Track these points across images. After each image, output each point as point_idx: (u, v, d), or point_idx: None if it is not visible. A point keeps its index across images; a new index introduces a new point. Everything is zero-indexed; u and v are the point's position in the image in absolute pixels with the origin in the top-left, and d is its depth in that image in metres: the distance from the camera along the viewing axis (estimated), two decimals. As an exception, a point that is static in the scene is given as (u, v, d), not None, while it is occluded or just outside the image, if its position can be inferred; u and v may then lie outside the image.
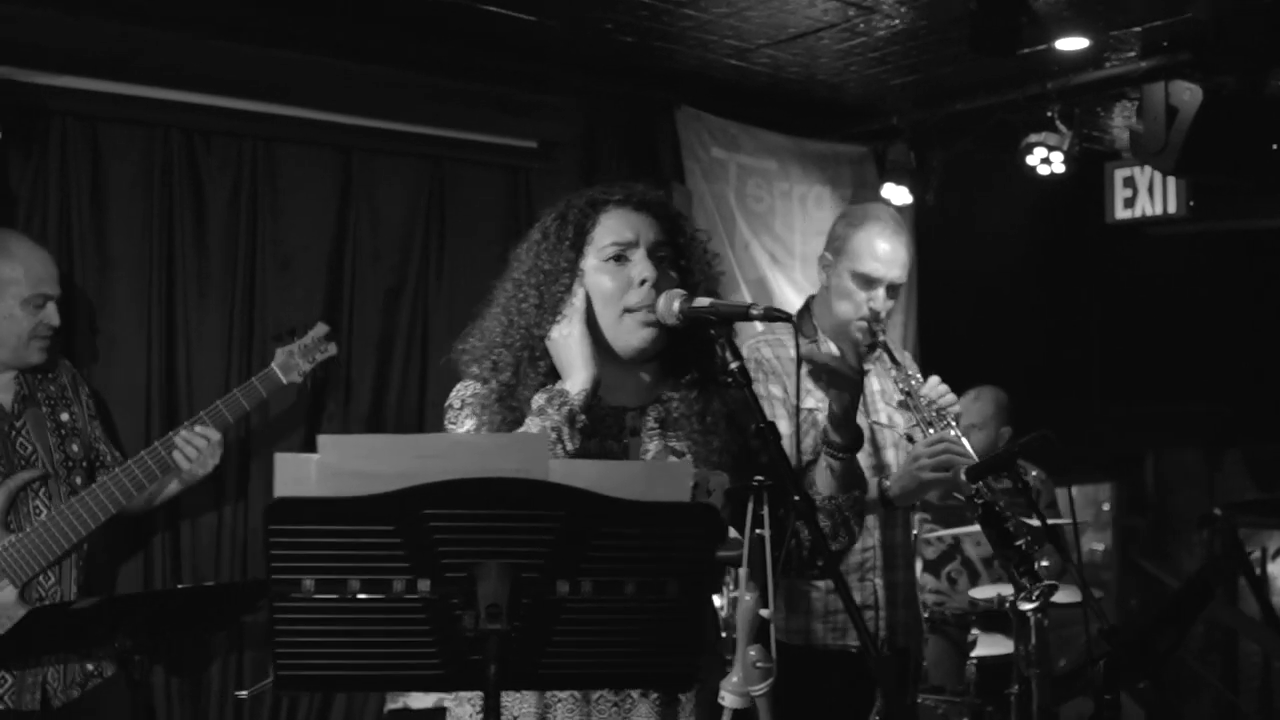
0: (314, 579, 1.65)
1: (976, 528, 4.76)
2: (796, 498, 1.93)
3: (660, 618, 1.76)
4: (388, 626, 1.69)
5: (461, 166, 4.65)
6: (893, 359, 3.04)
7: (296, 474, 1.60)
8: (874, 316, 3.09)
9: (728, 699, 1.99)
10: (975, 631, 4.44)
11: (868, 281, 3.11)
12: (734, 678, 1.99)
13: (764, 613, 2.00)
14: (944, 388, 3.01)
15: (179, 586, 3.63)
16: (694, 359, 2.19)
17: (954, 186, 5.83)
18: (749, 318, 2.03)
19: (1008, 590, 4.41)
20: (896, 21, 4.57)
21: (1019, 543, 3.16)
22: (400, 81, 4.42)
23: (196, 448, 3.29)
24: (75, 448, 3.27)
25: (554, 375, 2.10)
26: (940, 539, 4.97)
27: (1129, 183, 6.40)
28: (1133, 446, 7.86)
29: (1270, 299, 7.53)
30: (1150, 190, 6.36)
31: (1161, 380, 7.37)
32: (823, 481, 2.24)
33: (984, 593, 4.50)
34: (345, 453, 1.60)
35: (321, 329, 3.70)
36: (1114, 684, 2.52)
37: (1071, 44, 4.81)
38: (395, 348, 4.46)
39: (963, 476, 2.83)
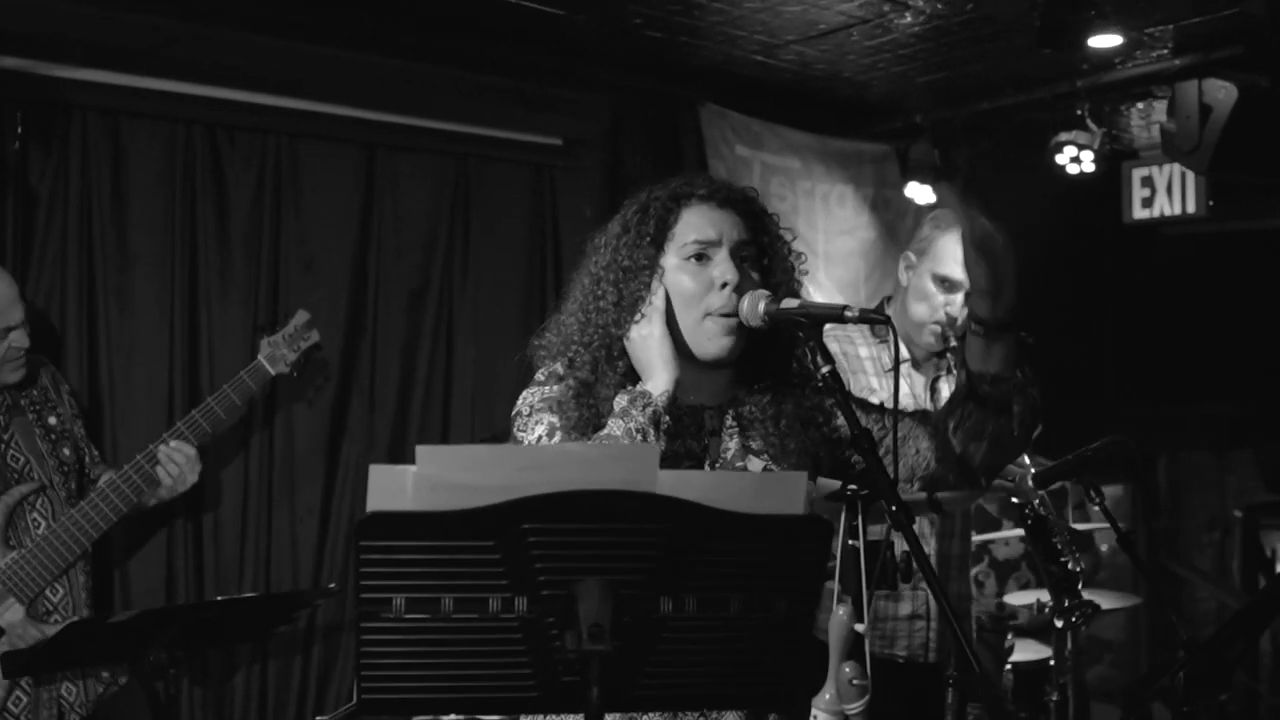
0: (405, 598, 1.56)
1: (1006, 532, 4.69)
2: (893, 508, 1.84)
3: (767, 636, 1.67)
4: (481, 647, 1.60)
5: (486, 164, 4.55)
6: (958, 364, 2.95)
7: (390, 486, 1.50)
8: (949, 322, 3.02)
9: (820, 717, 1.91)
10: (1011, 637, 4.36)
11: (949, 285, 3.05)
12: (826, 695, 1.91)
13: (859, 628, 1.92)
14: None
15: (217, 599, 3.52)
16: (769, 360, 2.11)
17: (976, 186, 5.76)
18: (843, 320, 1.93)
19: (1045, 595, 4.35)
20: (929, 17, 4.49)
21: (1064, 559, 3.09)
22: (424, 76, 4.31)
23: (177, 464, 3.19)
24: (66, 451, 3.19)
25: (631, 374, 2.01)
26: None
27: (1147, 182, 6.35)
28: (1146, 448, 7.80)
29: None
30: (1169, 190, 6.32)
31: (1175, 381, 7.32)
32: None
33: (1022, 599, 4.42)
34: (444, 464, 1.51)
35: (303, 316, 3.63)
36: (1193, 697, 2.44)
37: (1104, 41, 4.73)
38: (420, 349, 4.36)
39: (1030, 483, 2.75)
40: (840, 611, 1.88)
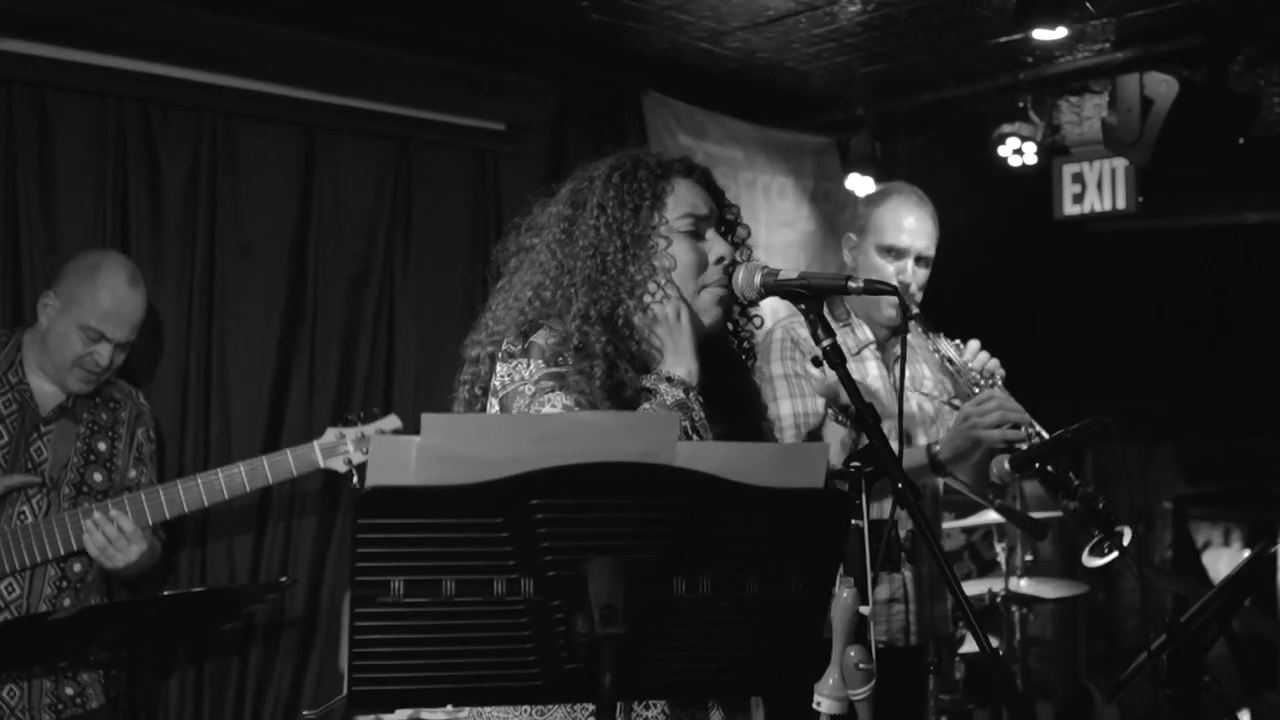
0: (404, 580, 1.45)
1: (994, 518, 4.65)
2: (899, 485, 1.77)
3: (780, 617, 1.59)
4: (483, 634, 1.51)
5: (428, 148, 4.42)
6: (927, 330, 2.90)
7: (392, 459, 1.40)
8: (904, 288, 2.96)
9: (824, 704, 1.83)
10: (961, 628, 4.35)
11: (896, 253, 3.01)
12: (830, 680, 1.83)
13: (863, 610, 1.85)
14: (985, 353, 2.89)
15: (163, 594, 3.34)
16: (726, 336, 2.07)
17: (915, 179, 5.75)
18: (847, 290, 1.88)
19: (997, 585, 4.35)
20: (878, 4, 4.46)
21: (1080, 489, 2.92)
22: (366, 55, 4.17)
23: (107, 536, 2.83)
24: (98, 477, 2.99)
25: (640, 351, 1.91)
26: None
27: (1077, 178, 6.41)
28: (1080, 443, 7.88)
29: (1209, 296, 7.62)
30: (1099, 186, 6.38)
31: (1102, 377, 7.43)
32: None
33: (971, 589, 4.41)
34: (451, 434, 1.40)
35: (393, 422, 3.27)
36: (1177, 678, 2.41)
37: (1047, 33, 4.74)
38: (361, 337, 4.22)
39: (1007, 466, 2.71)
40: (844, 594, 1.81)
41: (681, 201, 1.99)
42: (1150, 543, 7.71)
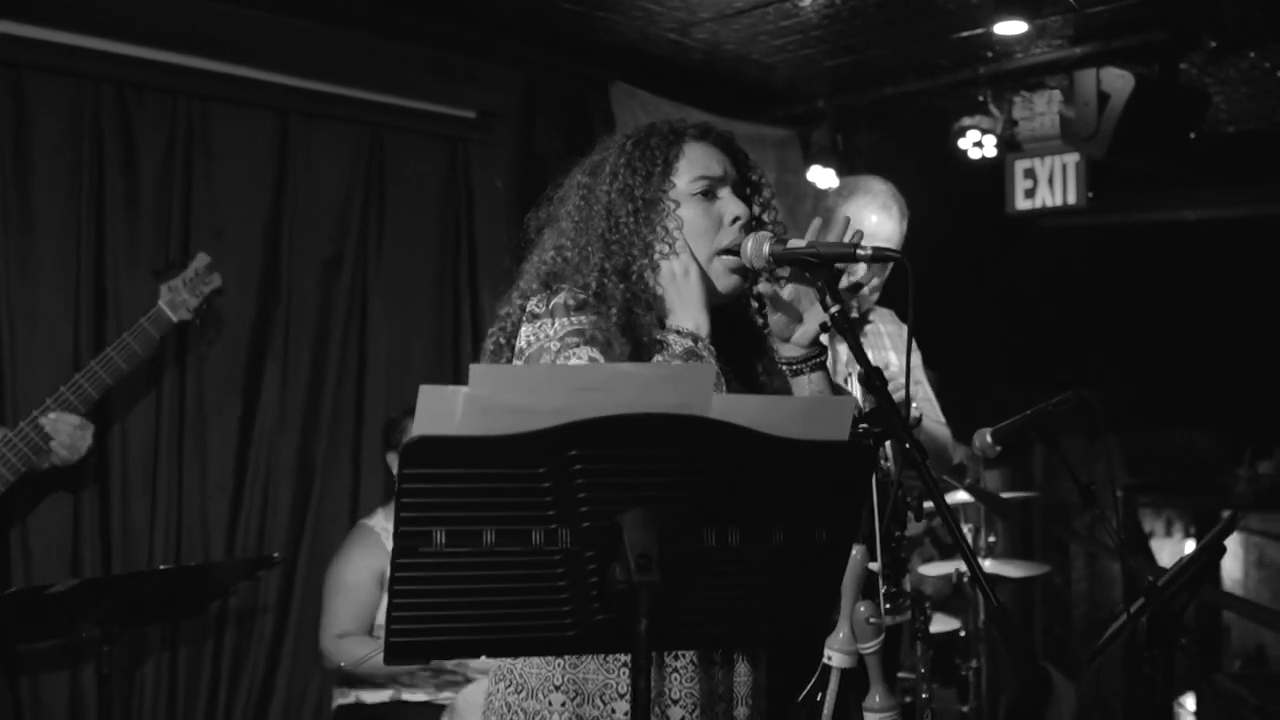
0: (446, 530, 1.48)
1: (961, 498, 4.72)
2: (907, 445, 1.82)
3: (805, 568, 1.64)
4: (520, 584, 1.53)
5: (400, 134, 4.44)
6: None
7: (439, 408, 1.42)
8: (853, 287, 3.02)
9: (835, 658, 1.88)
10: (929, 609, 4.44)
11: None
12: (840, 634, 1.88)
13: (873, 566, 1.91)
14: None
15: (160, 568, 3.33)
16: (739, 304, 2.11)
17: (874, 171, 5.84)
18: (855, 258, 1.91)
19: (963, 565, 4.44)
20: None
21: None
22: (340, 41, 4.19)
23: (65, 433, 3.06)
24: None
25: (653, 309, 1.95)
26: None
27: (1029, 174, 6.54)
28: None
29: (1153, 292, 7.82)
30: (1050, 182, 6.52)
31: (1051, 368, 7.58)
32: None
33: (937, 570, 4.49)
34: (499, 384, 1.43)
35: (203, 259, 3.52)
36: (1155, 641, 2.50)
37: (1010, 27, 4.85)
38: (334, 319, 4.23)
39: (989, 439, 2.79)
40: (854, 551, 1.85)
41: (694, 164, 2.02)
42: (1099, 532, 7.88)
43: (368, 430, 4.25)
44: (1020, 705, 5.29)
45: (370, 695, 3.76)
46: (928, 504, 5.00)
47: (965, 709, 4.36)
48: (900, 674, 4.06)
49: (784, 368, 2.07)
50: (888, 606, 2.90)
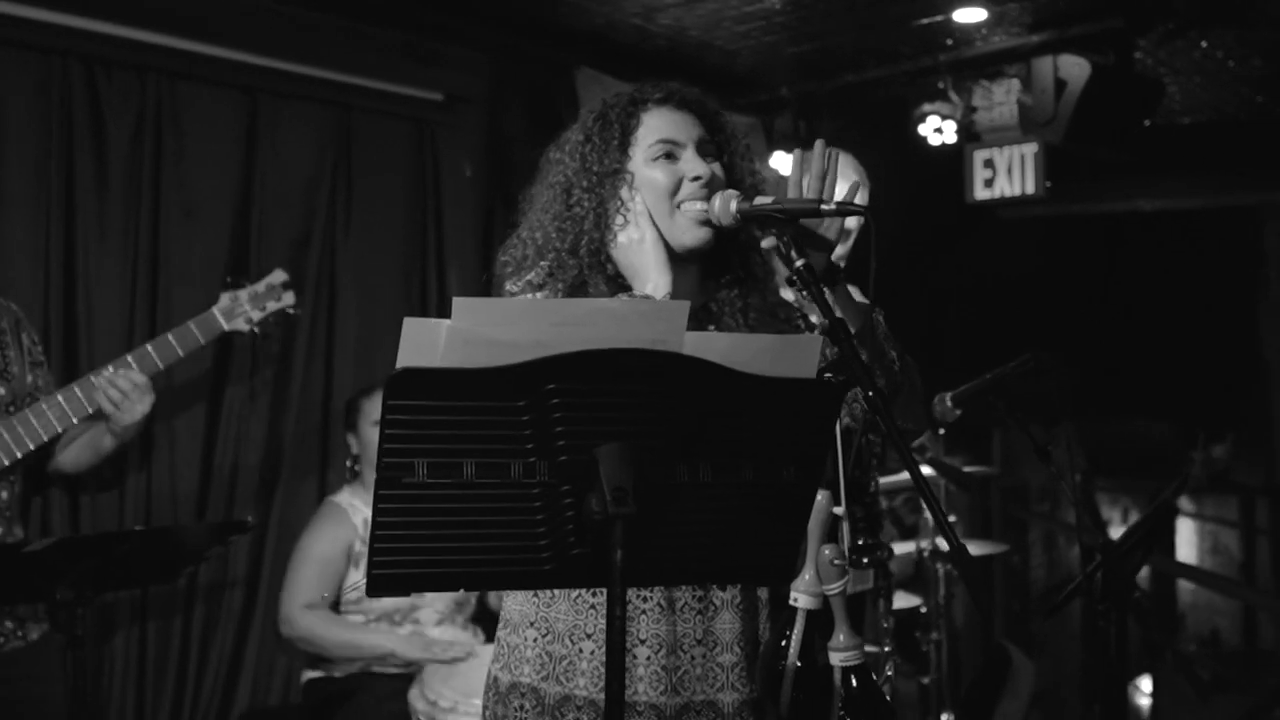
0: (428, 462, 1.53)
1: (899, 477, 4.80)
2: (870, 393, 1.89)
3: (773, 506, 1.70)
4: (499, 516, 1.58)
5: (368, 116, 4.48)
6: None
7: (422, 340, 1.47)
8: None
9: (801, 600, 1.95)
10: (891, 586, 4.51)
11: (813, 226, 3.13)
12: (807, 575, 1.95)
13: (837, 510, 1.97)
14: None
15: (136, 528, 3.34)
16: (733, 257, 2.15)
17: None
18: (820, 214, 1.98)
19: (925, 542, 4.52)
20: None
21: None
22: (308, 21, 4.22)
23: (121, 389, 2.98)
24: (1, 391, 2.97)
25: (618, 279, 2.02)
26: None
27: (989, 164, 6.64)
28: (985, 421, 8.18)
29: (1108, 282, 7.96)
30: (1009, 171, 6.62)
31: (1010, 358, 7.68)
32: None
33: (900, 549, 4.57)
34: (480, 317, 1.48)
35: (279, 275, 3.40)
36: (1109, 594, 2.58)
37: (969, 15, 4.95)
38: (303, 298, 4.20)
39: (949, 403, 2.86)
40: (820, 496, 1.92)
41: (652, 130, 2.06)
42: (1056, 517, 8.02)
43: (335, 407, 4.28)
44: (980, 682, 5.39)
45: (340, 668, 3.80)
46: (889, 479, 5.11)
47: (925, 680, 4.44)
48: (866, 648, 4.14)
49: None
50: (865, 560, 2.97)
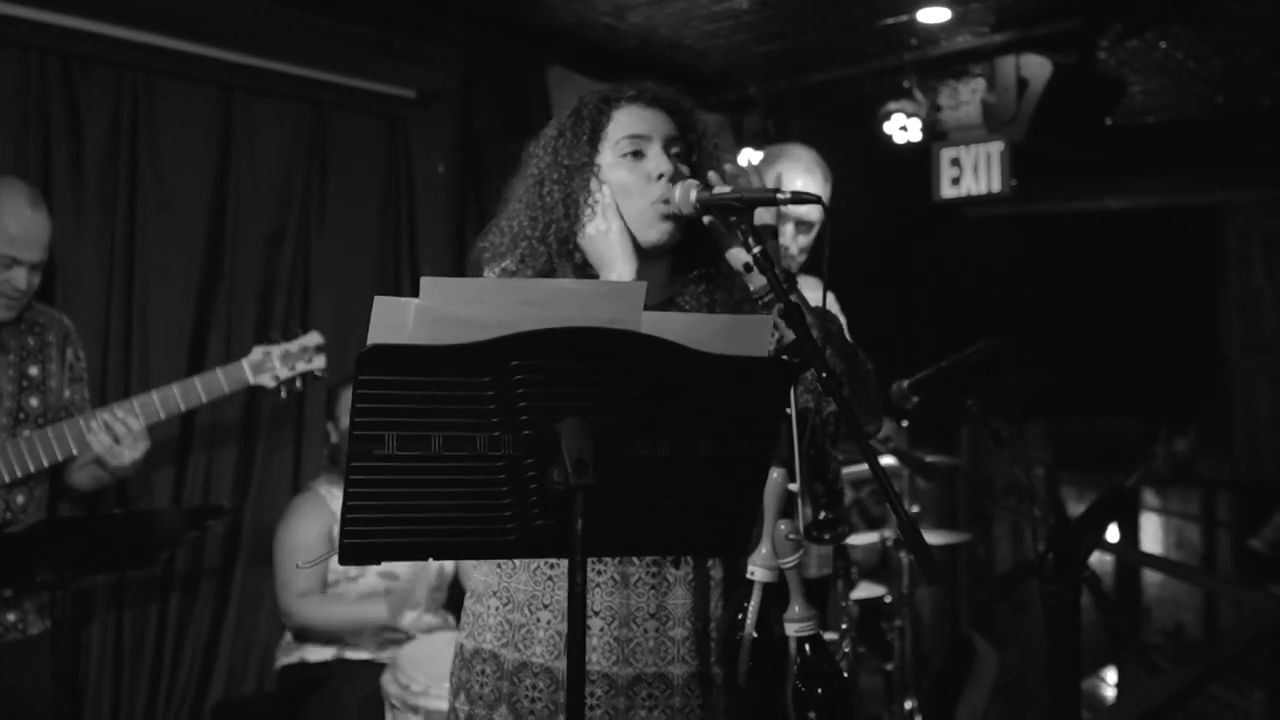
0: (397, 435, 1.60)
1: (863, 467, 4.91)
2: (824, 374, 1.97)
3: (728, 480, 1.78)
4: (466, 488, 1.65)
5: (342, 112, 4.54)
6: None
7: (392, 319, 1.54)
8: (784, 251, 3.20)
9: (758, 573, 2.02)
10: (857, 575, 4.60)
11: (777, 217, 3.23)
12: (763, 550, 2.02)
13: (792, 487, 2.05)
14: None
15: (115, 511, 3.39)
16: (701, 252, 2.22)
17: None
18: (775, 202, 2.05)
19: (890, 532, 4.61)
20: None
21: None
22: (283, 18, 4.28)
23: (115, 434, 2.97)
24: (34, 402, 3.01)
25: (585, 268, 2.10)
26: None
27: (955, 163, 6.75)
28: (952, 418, 8.28)
29: (1075, 280, 8.08)
30: (975, 170, 6.73)
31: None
32: None
33: (865, 539, 4.66)
34: (448, 296, 1.56)
35: (314, 338, 3.42)
36: (1059, 575, 2.67)
37: (933, 15, 5.04)
38: (277, 293, 4.32)
39: (906, 387, 2.95)
40: (774, 474, 2.00)
41: (621, 126, 2.14)
42: (1022, 510, 8.13)
43: (309, 399, 4.34)
44: (945, 671, 5.49)
45: (314, 654, 3.86)
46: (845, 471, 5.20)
47: (888, 667, 4.53)
48: (826, 634, 4.23)
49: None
50: (827, 536, 3.04)
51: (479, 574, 2.11)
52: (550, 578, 2.03)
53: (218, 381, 3.20)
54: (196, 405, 3.20)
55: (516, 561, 2.05)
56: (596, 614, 2.03)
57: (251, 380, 3.27)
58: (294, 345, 3.36)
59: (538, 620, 2.02)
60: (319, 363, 3.41)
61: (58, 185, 3.77)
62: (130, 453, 3.00)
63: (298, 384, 3.37)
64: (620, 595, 2.04)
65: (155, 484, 3.96)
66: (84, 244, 3.82)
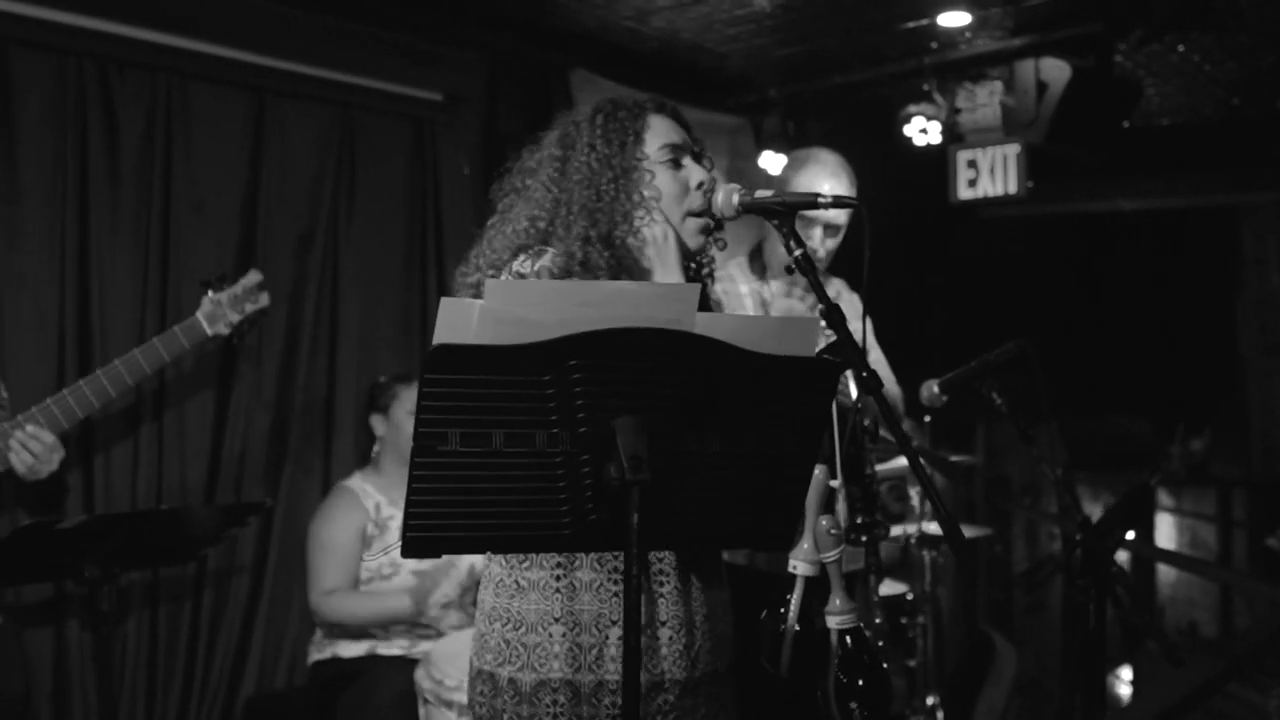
0: (460, 432, 1.66)
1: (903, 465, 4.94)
2: (864, 374, 2.02)
3: (776, 475, 1.83)
4: (525, 484, 1.71)
5: (370, 115, 4.60)
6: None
7: (457, 320, 1.60)
8: (812, 254, 3.25)
9: (800, 567, 2.07)
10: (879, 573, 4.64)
11: (805, 222, 3.30)
12: (805, 545, 2.07)
13: (833, 483, 2.10)
14: None
15: (160, 507, 3.45)
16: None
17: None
18: (817, 205, 2.11)
19: (912, 528, 4.66)
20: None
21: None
22: (312, 23, 4.34)
23: (33, 453, 2.93)
24: None
25: (619, 267, 2.13)
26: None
27: (972, 165, 6.78)
28: (967, 419, 8.32)
29: (1088, 282, 8.11)
30: (992, 172, 6.76)
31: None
32: None
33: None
34: (511, 298, 1.61)
35: (254, 277, 3.48)
36: (1087, 571, 2.72)
37: (953, 19, 5.09)
38: (307, 292, 4.38)
39: (936, 389, 2.99)
40: (817, 470, 2.05)
41: (658, 135, 2.20)
42: (1038, 509, 8.17)
43: (339, 397, 4.40)
44: (964, 667, 5.53)
45: (347, 650, 3.92)
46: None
47: (911, 664, 4.58)
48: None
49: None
50: (863, 538, 3.11)
51: (525, 604, 2.07)
52: (615, 594, 2.05)
53: (176, 339, 3.24)
54: (160, 365, 3.23)
55: (580, 583, 2.06)
56: (664, 624, 2.08)
57: (209, 331, 3.31)
58: (238, 288, 3.41)
59: (607, 638, 2.04)
60: (264, 300, 3.45)
61: (94, 186, 3.83)
62: (48, 466, 2.96)
63: (247, 327, 3.43)
64: (683, 603, 2.10)
65: (189, 483, 4.01)
66: (119, 243, 3.88)
